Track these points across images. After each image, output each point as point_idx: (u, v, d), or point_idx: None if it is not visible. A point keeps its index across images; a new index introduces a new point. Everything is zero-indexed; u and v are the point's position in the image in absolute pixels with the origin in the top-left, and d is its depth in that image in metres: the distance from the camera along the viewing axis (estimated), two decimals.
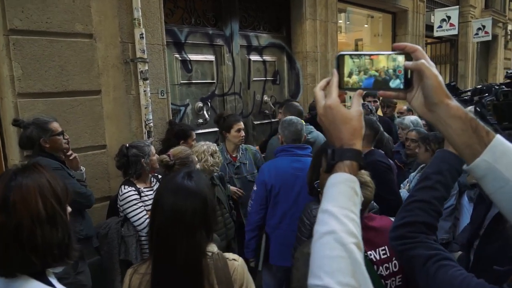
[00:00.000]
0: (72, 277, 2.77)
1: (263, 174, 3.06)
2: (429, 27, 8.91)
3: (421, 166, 3.88)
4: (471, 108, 1.41)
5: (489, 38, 10.76)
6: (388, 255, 1.78)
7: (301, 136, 3.15)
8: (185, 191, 1.44)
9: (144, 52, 3.62)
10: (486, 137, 0.82)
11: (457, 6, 9.18)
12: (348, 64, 0.91)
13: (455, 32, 9.10)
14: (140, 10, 3.55)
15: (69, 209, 1.30)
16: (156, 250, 1.45)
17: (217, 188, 3.28)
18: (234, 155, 3.80)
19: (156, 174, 3.28)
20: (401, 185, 3.84)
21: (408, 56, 0.88)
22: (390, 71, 0.89)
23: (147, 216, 2.92)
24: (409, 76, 0.89)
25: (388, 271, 1.76)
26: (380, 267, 1.75)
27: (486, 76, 13.27)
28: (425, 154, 3.57)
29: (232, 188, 3.61)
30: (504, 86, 1.49)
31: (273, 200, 3.01)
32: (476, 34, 10.77)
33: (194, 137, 3.72)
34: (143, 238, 2.98)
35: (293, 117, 3.30)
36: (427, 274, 1.03)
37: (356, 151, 0.86)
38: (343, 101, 0.93)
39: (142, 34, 3.59)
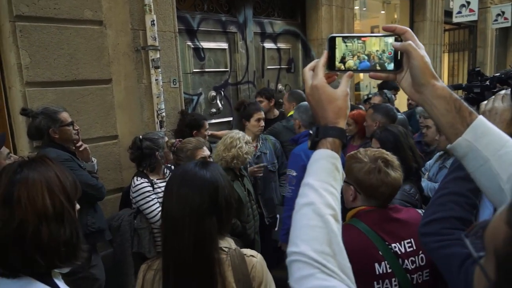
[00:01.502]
0: (86, 271, 2.73)
1: (301, 159, 2.93)
2: (448, 13, 8.62)
3: (440, 153, 3.71)
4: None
5: (509, 24, 10.40)
6: (414, 248, 1.66)
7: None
8: (193, 177, 1.38)
9: (155, 40, 3.50)
10: (469, 117, 0.84)
11: None
12: (341, 47, 0.92)
13: (475, 18, 8.80)
14: None
15: (77, 206, 1.20)
16: (165, 238, 1.39)
17: (246, 180, 3.19)
18: (254, 145, 3.70)
19: (170, 165, 3.19)
20: None
21: (398, 38, 0.90)
22: (385, 55, 0.91)
23: (160, 208, 2.83)
24: (399, 57, 0.91)
25: (414, 265, 1.65)
26: (406, 261, 1.64)
27: (504, 63, 12.91)
28: (445, 142, 3.38)
29: (250, 168, 3.50)
30: None
31: None
32: (495, 20, 10.41)
33: (207, 127, 3.62)
34: (156, 231, 2.92)
35: (306, 103, 3.26)
36: (466, 274, 0.97)
37: (340, 129, 0.88)
38: (333, 81, 0.94)
39: (153, 21, 3.46)
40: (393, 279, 1.60)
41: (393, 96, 4.72)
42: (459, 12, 8.67)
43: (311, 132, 0.94)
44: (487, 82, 1.86)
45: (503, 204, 0.78)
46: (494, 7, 10.45)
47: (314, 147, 0.91)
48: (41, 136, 2.68)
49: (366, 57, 0.92)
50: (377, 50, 0.91)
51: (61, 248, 1.09)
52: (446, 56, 10.33)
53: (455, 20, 8.84)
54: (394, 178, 1.70)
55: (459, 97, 0.87)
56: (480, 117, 0.85)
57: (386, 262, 1.59)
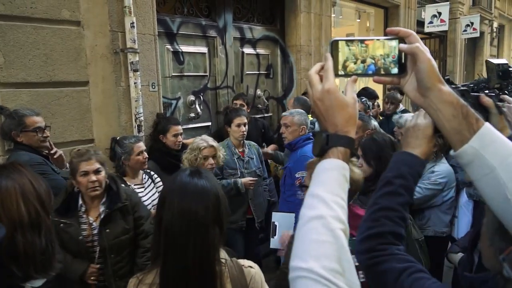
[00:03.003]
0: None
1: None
2: (420, 23, 8.89)
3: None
4: None
5: (477, 34, 10.84)
6: None
7: (307, 125, 3.53)
8: (195, 188, 1.32)
9: (134, 42, 3.43)
10: (476, 124, 0.83)
11: (448, 2, 9.17)
12: (344, 51, 0.89)
13: (445, 28, 9.11)
14: None
15: None
16: (165, 254, 1.30)
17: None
18: (241, 150, 3.72)
19: (149, 171, 3.13)
20: None
21: (402, 41, 0.88)
22: (389, 59, 0.89)
23: None
24: (403, 60, 0.89)
25: None
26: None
27: (472, 72, 13.40)
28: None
29: (245, 179, 3.55)
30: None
31: None
32: (465, 30, 10.83)
33: (178, 131, 3.49)
34: None
35: (298, 109, 3.68)
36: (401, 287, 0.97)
37: (350, 138, 0.85)
38: None
39: (133, 23, 3.40)
40: (360, 272, 1.67)
41: (370, 103, 4.80)
42: (431, 22, 8.96)
43: (311, 135, 0.89)
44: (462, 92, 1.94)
45: (509, 215, 0.78)
46: (464, 18, 10.86)
47: (322, 154, 0.86)
48: (8, 137, 2.61)
49: (373, 59, 0.89)
50: (380, 54, 0.89)
51: (38, 257, 1.04)
52: None
53: (426, 29, 9.12)
54: (357, 173, 1.92)
55: (466, 103, 0.85)
56: (487, 124, 0.83)
57: (355, 256, 1.73)
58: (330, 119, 0.86)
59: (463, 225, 3.36)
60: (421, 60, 0.85)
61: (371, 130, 3.50)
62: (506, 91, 1.78)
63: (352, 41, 0.89)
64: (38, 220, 1.05)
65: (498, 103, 1.51)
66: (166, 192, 1.38)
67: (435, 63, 0.86)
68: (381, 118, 5.48)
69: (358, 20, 8.70)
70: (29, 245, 1.03)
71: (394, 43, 0.88)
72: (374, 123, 4.12)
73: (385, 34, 0.90)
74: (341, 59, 0.89)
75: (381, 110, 5.81)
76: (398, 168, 1.11)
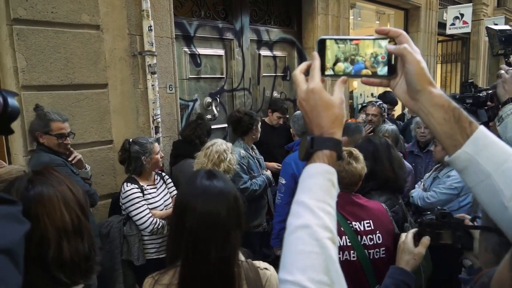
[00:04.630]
0: None
1: (290, 167, 3.10)
2: (442, 25, 8.71)
3: (436, 166, 3.74)
4: None
5: None
6: (372, 228, 1.93)
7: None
8: (214, 191, 1.32)
9: (152, 45, 3.50)
10: (469, 128, 0.78)
11: (471, 4, 8.97)
12: (333, 50, 0.85)
13: (468, 30, 8.89)
14: (149, 1, 3.42)
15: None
16: (186, 256, 1.30)
17: None
18: (254, 152, 3.78)
19: (160, 172, 3.17)
20: (416, 185, 3.71)
21: (392, 41, 0.84)
22: (379, 58, 0.85)
23: (150, 215, 2.82)
24: (393, 62, 0.85)
25: (372, 242, 1.91)
26: (364, 237, 1.90)
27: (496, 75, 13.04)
28: (441, 153, 3.42)
29: (270, 165, 3.75)
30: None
31: None
32: None
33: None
34: (145, 238, 2.90)
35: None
36: None
37: (337, 140, 0.81)
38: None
39: (150, 26, 3.47)
40: (352, 252, 1.86)
41: (385, 106, 4.75)
42: (453, 24, 8.77)
43: (306, 139, 0.85)
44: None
45: (506, 223, 0.76)
46: (488, 20, 10.58)
47: (308, 158, 0.82)
48: (33, 136, 2.67)
49: (362, 60, 0.85)
50: (370, 53, 0.85)
51: (82, 263, 1.04)
52: (438, 67, 10.42)
53: (448, 32, 8.93)
54: (355, 167, 1.99)
55: (459, 106, 0.81)
56: (481, 127, 0.79)
57: (346, 236, 1.86)
58: (315, 120, 0.83)
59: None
60: (409, 61, 0.81)
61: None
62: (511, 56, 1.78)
63: (341, 39, 0.86)
64: (80, 226, 1.05)
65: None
66: (187, 196, 1.36)
67: (425, 65, 0.82)
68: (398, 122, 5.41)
69: (378, 22, 8.60)
70: (75, 252, 1.03)
71: (383, 43, 0.85)
72: (390, 127, 4.09)
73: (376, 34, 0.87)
74: (329, 57, 0.86)
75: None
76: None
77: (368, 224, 1.93)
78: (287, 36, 5.42)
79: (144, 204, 2.83)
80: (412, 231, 1.52)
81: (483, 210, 0.94)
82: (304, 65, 0.87)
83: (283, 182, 3.14)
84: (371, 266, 1.88)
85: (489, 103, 1.95)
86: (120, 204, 2.88)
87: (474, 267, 1.45)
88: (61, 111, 2.84)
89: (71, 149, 2.81)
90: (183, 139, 3.60)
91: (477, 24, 10.48)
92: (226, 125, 4.69)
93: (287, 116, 4.54)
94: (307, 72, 0.87)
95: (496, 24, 10.24)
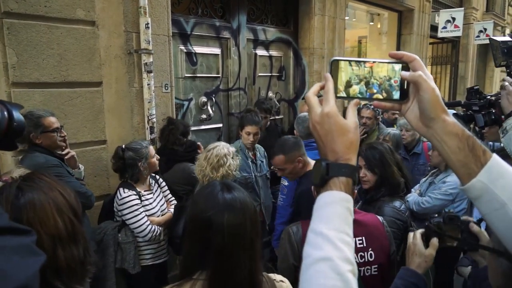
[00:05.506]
0: None
1: None
2: (433, 28, 8.78)
3: (432, 171, 3.73)
4: None
5: None
6: (364, 245, 1.92)
7: None
8: (236, 203, 1.30)
9: (149, 43, 3.38)
10: (483, 157, 0.78)
11: (462, 8, 9.06)
12: (347, 72, 0.85)
13: (459, 33, 8.98)
14: None
15: None
16: (215, 271, 1.27)
17: None
18: (252, 153, 3.70)
19: (154, 175, 3.06)
20: (412, 189, 3.70)
21: (405, 65, 0.84)
22: (391, 81, 0.84)
23: (148, 222, 2.73)
24: (405, 87, 0.84)
25: (363, 259, 1.91)
26: (355, 255, 1.83)
27: (483, 77, 13.27)
28: (438, 157, 3.42)
29: None
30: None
31: None
32: (478, 36, 10.71)
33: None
34: (141, 244, 2.79)
35: (306, 113, 3.36)
36: None
37: (352, 167, 0.80)
38: None
39: (147, 23, 3.35)
40: None
41: (380, 110, 4.73)
42: (444, 27, 8.84)
43: (321, 164, 0.82)
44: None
45: None
46: (477, 24, 10.73)
47: (323, 184, 0.81)
48: (23, 139, 2.53)
49: (377, 83, 0.84)
50: (384, 76, 0.84)
51: (78, 268, 1.03)
52: (429, 68, 10.51)
53: (440, 35, 9.00)
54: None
55: (471, 134, 0.81)
56: (495, 156, 0.79)
57: None
58: (330, 145, 0.81)
59: None
60: (424, 89, 0.80)
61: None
62: None
63: (355, 62, 0.85)
64: (74, 231, 1.04)
65: None
66: (210, 211, 1.30)
67: (439, 93, 0.81)
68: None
69: (371, 23, 8.59)
70: (71, 258, 1.02)
71: (397, 67, 0.84)
72: (393, 131, 4.07)
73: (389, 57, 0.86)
74: (343, 79, 0.85)
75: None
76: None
77: (360, 241, 1.92)
78: (284, 36, 5.35)
79: (143, 212, 2.74)
80: (419, 232, 1.50)
81: (492, 233, 0.94)
82: (317, 86, 0.86)
83: (285, 183, 3.08)
84: (362, 283, 1.85)
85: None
86: (115, 210, 2.78)
87: (479, 267, 1.49)
88: (53, 110, 2.73)
89: (67, 142, 2.72)
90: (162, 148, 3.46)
91: (467, 28, 10.61)
92: (221, 125, 4.61)
93: (276, 116, 4.44)
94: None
95: (486, 29, 10.41)
